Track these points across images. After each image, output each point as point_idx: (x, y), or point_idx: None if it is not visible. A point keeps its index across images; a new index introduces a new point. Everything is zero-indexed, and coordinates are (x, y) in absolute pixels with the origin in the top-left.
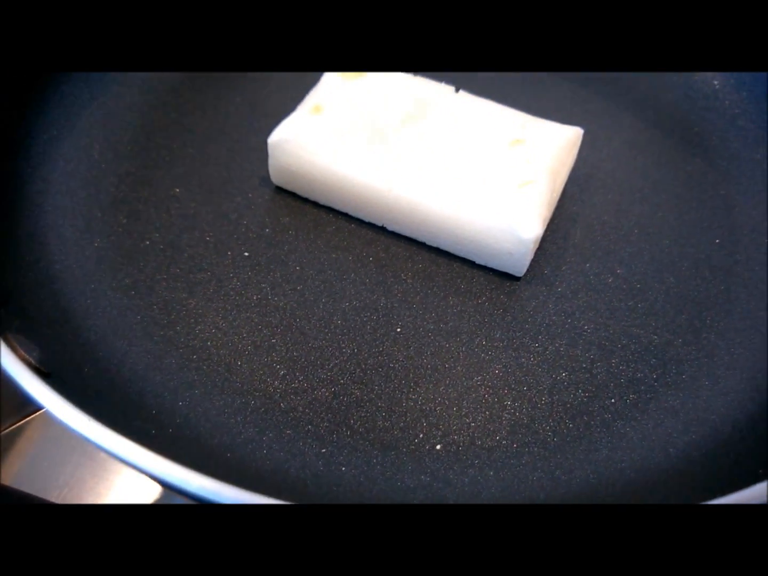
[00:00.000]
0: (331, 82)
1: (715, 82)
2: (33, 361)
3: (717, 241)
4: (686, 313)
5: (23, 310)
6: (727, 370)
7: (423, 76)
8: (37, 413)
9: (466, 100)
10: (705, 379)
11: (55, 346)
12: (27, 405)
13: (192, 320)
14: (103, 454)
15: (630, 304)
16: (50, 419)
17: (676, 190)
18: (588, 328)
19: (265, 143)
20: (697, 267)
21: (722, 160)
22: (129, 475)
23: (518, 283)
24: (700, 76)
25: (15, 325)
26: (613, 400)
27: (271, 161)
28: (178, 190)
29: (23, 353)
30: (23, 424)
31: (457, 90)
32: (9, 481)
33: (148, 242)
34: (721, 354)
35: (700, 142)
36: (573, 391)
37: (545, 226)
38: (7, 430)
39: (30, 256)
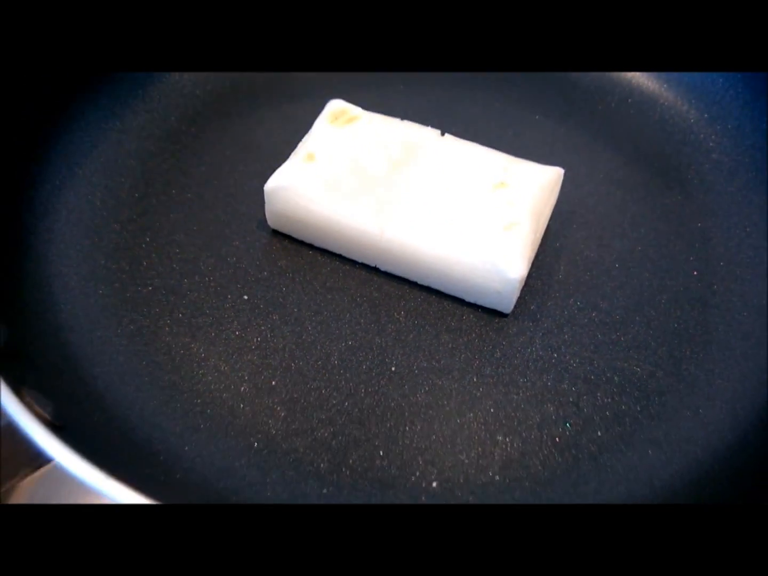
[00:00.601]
0: (323, 129)
1: (690, 117)
2: (48, 416)
3: (695, 272)
4: (667, 345)
5: (34, 363)
6: (707, 400)
7: (408, 119)
8: (50, 465)
9: (451, 143)
10: (686, 410)
11: (65, 396)
12: (40, 458)
13: (195, 364)
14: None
15: (613, 337)
16: (62, 470)
17: (654, 224)
18: (574, 363)
19: (262, 187)
20: (676, 299)
21: (699, 193)
22: None
23: (506, 319)
24: (675, 111)
25: (29, 380)
26: (599, 433)
27: (267, 207)
28: (178, 235)
29: (38, 409)
30: (38, 474)
31: (442, 133)
32: None
33: (150, 288)
34: (701, 385)
35: (677, 175)
36: (561, 425)
37: (530, 265)
38: (20, 481)
39: (37, 306)
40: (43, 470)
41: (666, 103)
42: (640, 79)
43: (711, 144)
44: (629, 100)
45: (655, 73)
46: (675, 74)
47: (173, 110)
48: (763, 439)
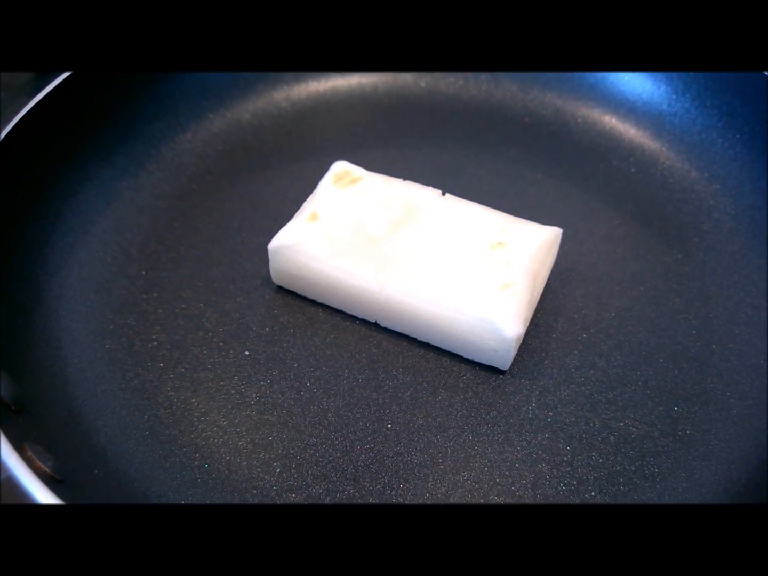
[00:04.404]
0: (327, 189)
1: (690, 176)
2: (48, 470)
3: (693, 332)
4: (663, 405)
5: (38, 416)
6: (703, 461)
7: (411, 178)
8: None
9: (451, 203)
10: (681, 470)
11: (67, 449)
12: None
13: (195, 419)
14: None
15: (609, 396)
16: None
17: (654, 282)
18: (569, 421)
19: (267, 245)
20: (674, 358)
21: (699, 252)
22: None
23: (503, 377)
24: (676, 170)
25: (32, 435)
26: (593, 493)
27: (271, 264)
28: (185, 291)
29: (39, 464)
30: None
31: (443, 193)
32: None
33: (155, 342)
34: (697, 445)
35: (677, 233)
36: (555, 485)
37: (527, 324)
38: None
39: (45, 360)
40: None
41: (667, 162)
42: (641, 138)
43: (711, 203)
44: (630, 159)
45: (656, 133)
46: (676, 134)
47: (185, 169)
48: (756, 501)
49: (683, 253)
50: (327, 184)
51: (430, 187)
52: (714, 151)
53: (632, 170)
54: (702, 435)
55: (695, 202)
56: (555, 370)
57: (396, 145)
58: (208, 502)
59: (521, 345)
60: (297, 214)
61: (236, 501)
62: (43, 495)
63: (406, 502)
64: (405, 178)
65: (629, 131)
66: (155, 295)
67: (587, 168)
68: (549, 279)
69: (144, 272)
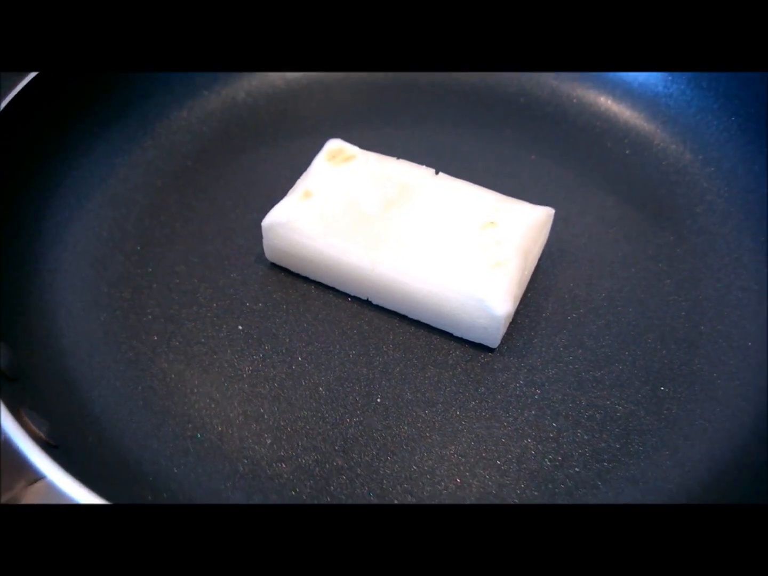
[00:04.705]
0: (321, 167)
1: (685, 158)
2: (42, 435)
3: (683, 313)
4: (650, 384)
5: (34, 384)
6: (687, 440)
7: (406, 157)
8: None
9: (444, 182)
10: (665, 449)
11: (62, 417)
12: (33, 473)
13: (188, 390)
14: None
15: (597, 375)
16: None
17: (645, 263)
18: (556, 399)
19: (261, 222)
20: (662, 339)
21: (691, 234)
22: None
23: (492, 354)
24: (670, 152)
25: (28, 401)
26: (577, 469)
27: (265, 242)
28: (179, 266)
29: (34, 429)
30: (31, 488)
31: (437, 172)
32: None
33: (150, 316)
34: (682, 424)
35: (670, 215)
36: (540, 460)
37: (517, 303)
38: (14, 494)
39: (41, 332)
40: (36, 486)
41: (661, 144)
42: (636, 120)
43: (705, 185)
44: (625, 141)
45: (651, 114)
46: (670, 116)
47: (180, 147)
48: (737, 481)
49: (675, 235)
50: (321, 162)
51: (424, 166)
52: (709, 133)
53: (626, 152)
54: (687, 414)
55: (689, 185)
56: (543, 349)
57: (391, 124)
58: (199, 470)
59: (511, 323)
60: (291, 191)
61: (227, 470)
62: (38, 458)
63: (393, 474)
64: (399, 157)
65: (624, 113)
66: (150, 270)
67: (581, 149)
68: (540, 259)
69: (139, 247)
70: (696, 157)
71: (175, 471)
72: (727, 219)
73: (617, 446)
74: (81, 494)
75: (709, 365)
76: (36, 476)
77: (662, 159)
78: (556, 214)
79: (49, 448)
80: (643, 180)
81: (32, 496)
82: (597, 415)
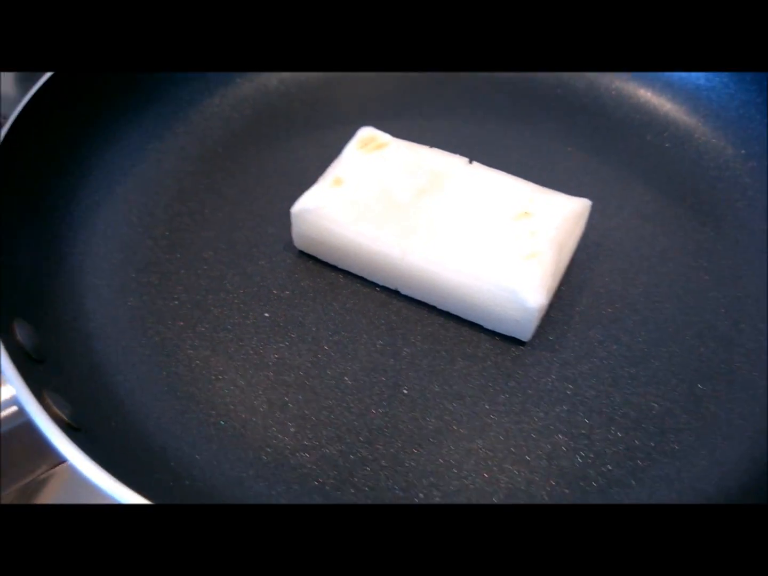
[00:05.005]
0: (352, 155)
1: (726, 153)
2: (65, 417)
3: (722, 310)
4: (687, 382)
5: (59, 367)
6: (725, 440)
7: (439, 147)
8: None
9: (478, 171)
10: (702, 448)
11: (86, 400)
12: (57, 456)
13: (213, 377)
14: None
15: (632, 371)
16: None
17: (684, 259)
18: (589, 395)
19: (290, 209)
20: (701, 336)
21: (731, 229)
22: None
23: (524, 348)
24: (711, 146)
25: (52, 383)
26: (609, 467)
27: (294, 229)
28: (207, 252)
29: (56, 410)
30: (55, 471)
31: (470, 161)
32: None
33: (177, 302)
34: (720, 424)
35: (709, 211)
36: (571, 457)
37: (551, 295)
38: (39, 477)
39: (68, 314)
40: (57, 469)
41: (702, 138)
42: (676, 113)
43: (747, 180)
44: (665, 134)
45: (692, 108)
46: (712, 109)
47: (212, 133)
48: None
49: (715, 231)
50: (352, 150)
51: (457, 155)
52: (752, 127)
53: (666, 145)
54: (725, 413)
55: (730, 180)
56: (577, 344)
57: (425, 114)
58: (222, 458)
59: (544, 317)
60: (321, 178)
61: (250, 458)
62: (59, 440)
63: (419, 467)
64: (432, 147)
65: (665, 105)
66: (178, 255)
67: (620, 142)
68: (576, 252)
69: (168, 233)
70: (738, 152)
71: (198, 458)
72: None
73: (652, 444)
74: (102, 478)
75: (749, 364)
76: (58, 459)
77: (703, 153)
78: (593, 207)
79: (72, 430)
80: (683, 174)
81: (55, 480)
82: (632, 412)
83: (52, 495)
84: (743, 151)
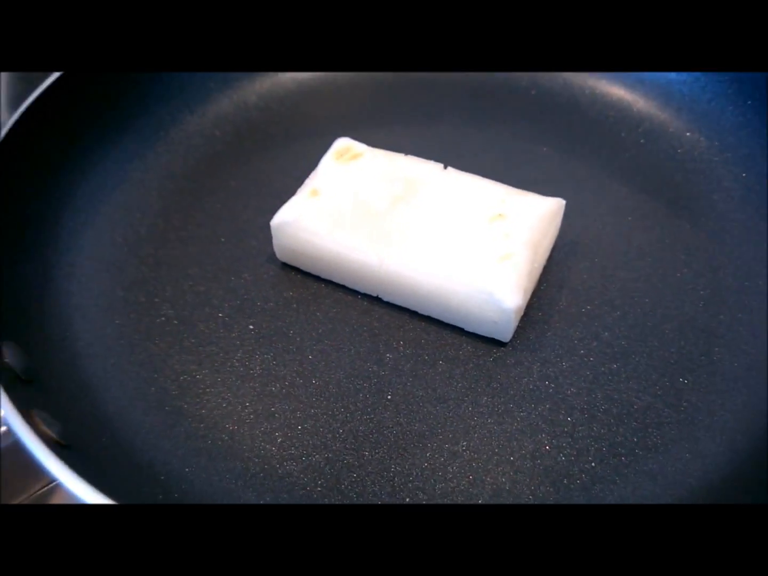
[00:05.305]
0: (328, 166)
1: (701, 145)
2: (54, 435)
3: (701, 303)
4: (668, 376)
5: (48, 386)
6: (707, 432)
7: (416, 153)
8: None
9: (452, 176)
10: (684, 441)
11: (75, 418)
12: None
13: (200, 391)
14: None
15: (613, 368)
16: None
17: (661, 253)
18: (570, 393)
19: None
20: (680, 329)
21: (708, 221)
22: None
23: (505, 348)
24: (686, 139)
25: (40, 402)
26: (593, 464)
27: (275, 241)
28: (192, 269)
29: (45, 429)
30: (49, 490)
31: (445, 167)
32: None
33: (163, 318)
34: (702, 416)
35: (686, 203)
36: (554, 456)
37: (528, 296)
38: (32, 495)
39: (56, 335)
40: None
41: (676, 132)
42: (649, 108)
43: (722, 172)
44: (639, 130)
45: (665, 102)
46: (685, 102)
47: (193, 150)
48: (759, 473)
49: (692, 223)
50: (329, 161)
51: (432, 161)
52: (724, 118)
53: (641, 141)
54: (707, 406)
55: (705, 172)
56: (557, 342)
57: (402, 122)
58: (211, 470)
59: (523, 317)
60: (299, 190)
61: (238, 469)
62: (47, 459)
63: (404, 471)
64: (409, 154)
65: (638, 102)
66: (163, 272)
67: (595, 140)
68: (553, 252)
69: (153, 251)
70: (712, 144)
71: (187, 471)
72: (746, 205)
73: (635, 440)
74: (91, 496)
75: (730, 355)
76: (47, 479)
77: (677, 147)
78: (569, 206)
79: (61, 448)
80: (659, 169)
81: (45, 500)
82: (613, 408)
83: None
84: (716, 143)
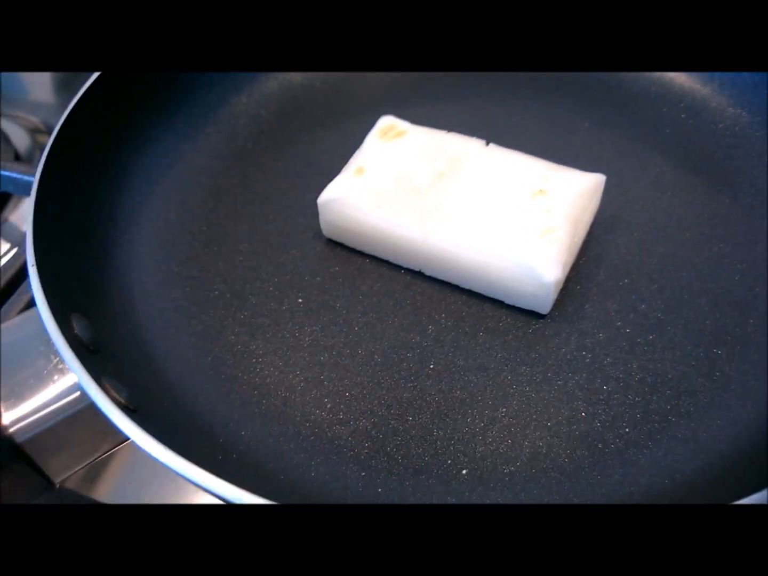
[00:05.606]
0: (373, 144)
1: (742, 120)
2: (122, 401)
3: (737, 276)
4: (702, 347)
5: (114, 356)
6: (738, 400)
7: (458, 130)
8: (126, 442)
9: (494, 153)
10: (717, 408)
11: (139, 385)
12: (118, 436)
13: (253, 360)
14: (179, 477)
15: (648, 339)
16: (136, 448)
17: (699, 228)
18: (606, 363)
19: (317, 199)
20: (716, 302)
21: (747, 196)
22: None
23: (543, 320)
24: (727, 114)
25: (108, 370)
26: (627, 430)
27: (321, 218)
28: (242, 245)
29: (114, 394)
30: (116, 450)
31: (487, 143)
32: (104, 498)
33: (216, 292)
34: (734, 385)
35: (726, 179)
36: (590, 422)
37: (567, 269)
38: (102, 456)
39: (118, 308)
40: (123, 447)
41: (718, 107)
42: (691, 83)
43: (763, 147)
44: (680, 105)
45: (707, 77)
46: (727, 77)
47: (240, 130)
48: None
49: (731, 198)
50: (373, 139)
51: (474, 138)
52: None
53: (682, 116)
54: (740, 375)
55: (746, 147)
56: (595, 314)
57: (444, 98)
58: (265, 433)
59: (562, 290)
60: (344, 169)
61: (291, 433)
62: (120, 421)
63: (446, 435)
64: (452, 130)
65: (680, 77)
66: (215, 248)
67: (636, 116)
68: (593, 227)
69: (205, 228)
70: (753, 119)
71: (243, 434)
72: None
73: (668, 407)
74: (162, 453)
75: (764, 327)
76: (119, 439)
77: (719, 122)
78: (609, 181)
79: (130, 412)
80: (700, 144)
81: (119, 456)
82: (648, 377)
83: (119, 471)
84: (758, 118)
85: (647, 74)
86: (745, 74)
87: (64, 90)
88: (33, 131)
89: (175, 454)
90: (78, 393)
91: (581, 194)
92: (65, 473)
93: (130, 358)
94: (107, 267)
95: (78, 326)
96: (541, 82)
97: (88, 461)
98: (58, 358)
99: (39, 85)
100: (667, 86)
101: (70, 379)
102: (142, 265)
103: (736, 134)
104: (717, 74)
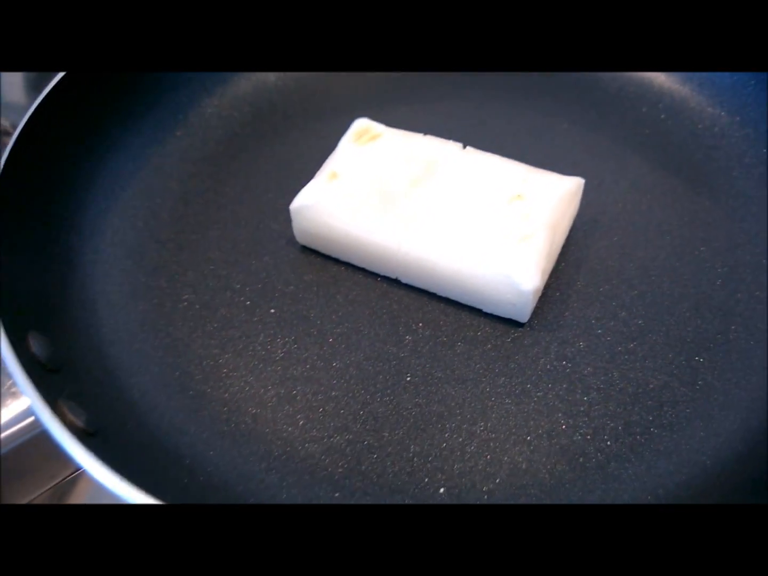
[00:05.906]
0: (347, 147)
1: (721, 121)
2: (80, 424)
3: (719, 281)
4: (684, 355)
5: (75, 374)
6: (722, 410)
7: (435, 133)
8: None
9: (472, 156)
10: (699, 419)
11: (102, 405)
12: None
13: (223, 374)
14: None
15: (629, 347)
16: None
17: (680, 231)
18: (587, 372)
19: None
20: (697, 308)
21: (727, 198)
22: None
23: (522, 329)
24: (706, 115)
25: (67, 391)
26: (608, 443)
27: (294, 225)
28: (213, 252)
29: (71, 417)
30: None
31: (464, 146)
32: None
33: (185, 303)
34: (717, 395)
35: (705, 180)
36: (570, 435)
37: (546, 277)
38: (67, 479)
39: (81, 323)
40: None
41: (697, 107)
42: (670, 83)
43: (742, 148)
44: (659, 105)
45: (686, 77)
46: (706, 77)
47: (212, 133)
48: None
49: (712, 201)
50: (347, 142)
51: (451, 141)
52: (746, 93)
53: (661, 116)
54: (722, 384)
55: (726, 148)
56: (575, 322)
57: (421, 100)
58: (235, 453)
59: (541, 297)
60: (318, 173)
61: (261, 452)
62: (72, 448)
63: (423, 452)
64: (428, 133)
65: (658, 77)
66: (185, 257)
67: (615, 116)
68: (572, 230)
69: (174, 235)
70: (733, 119)
71: (211, 454)
72: (765, 182)
73: (650, 418)
74: (116, 483)
75: (746, 333)
76: (74, 467)
77: (698, 122)
78: (589, 183)
79: (87, 436)
80: (679, 145)
81: (75, 487)
82: (629, 387)
83: (80, 497)
84: (738, 118)
85: (626, 74)
86: (724, 74)
87: (35, 91)
88: (2, 133)
89: (131, 485)
90: (32, 418)
91: (560, 199)
92: (25, 499)
93: (92, 376)
94: (69, 279)
95: (36, 344)
96: (518, 82)
97: (49, 486)
98: (11, 381)
99: (9, 85)
100: (646, 86)
101: (23, 403)
102: (107, 276)
103: (716, 135)
104: (696, 74)
